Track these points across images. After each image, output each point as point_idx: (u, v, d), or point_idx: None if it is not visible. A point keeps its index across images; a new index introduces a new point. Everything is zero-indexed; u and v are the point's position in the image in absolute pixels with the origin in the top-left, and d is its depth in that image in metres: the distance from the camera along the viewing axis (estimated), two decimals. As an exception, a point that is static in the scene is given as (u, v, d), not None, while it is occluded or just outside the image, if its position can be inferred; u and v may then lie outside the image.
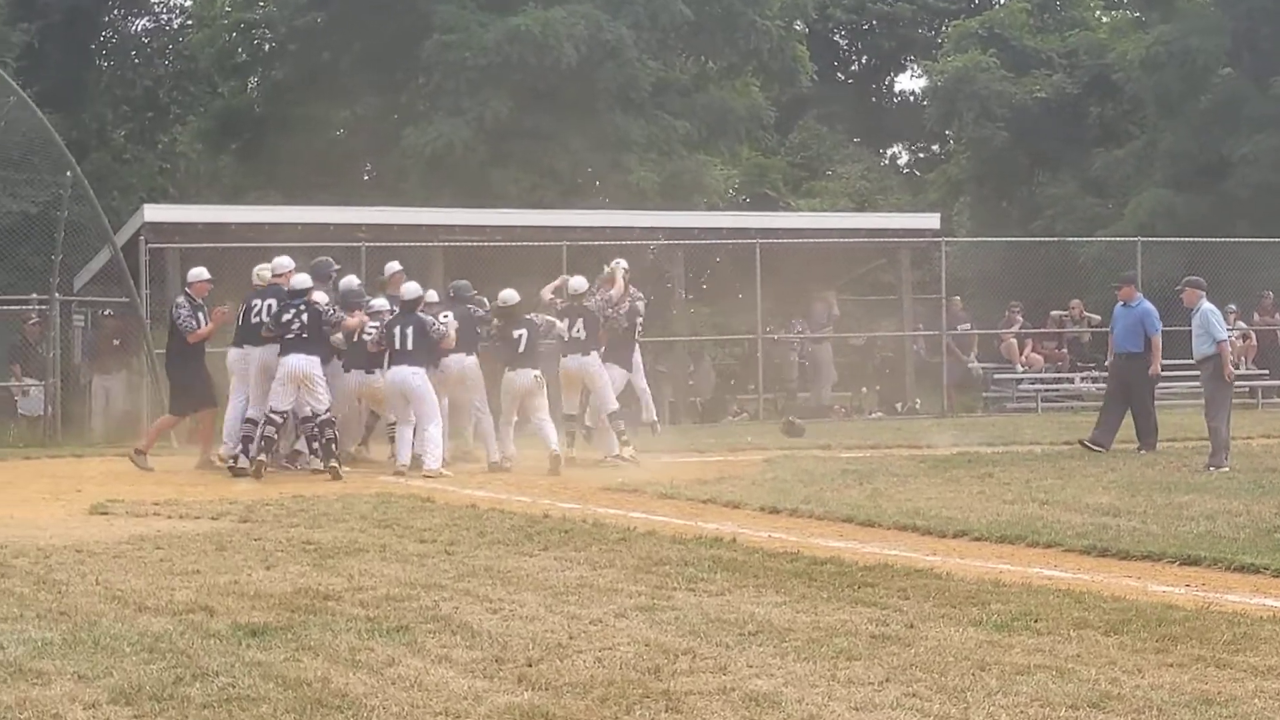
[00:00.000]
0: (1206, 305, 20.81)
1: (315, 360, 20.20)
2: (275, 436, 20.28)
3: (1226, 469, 19.17)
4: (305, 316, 20.15)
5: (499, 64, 37.44)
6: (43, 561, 12.31)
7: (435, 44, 38.28)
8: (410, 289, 21.28)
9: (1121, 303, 23.15)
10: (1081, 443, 22.13)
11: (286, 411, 20.29)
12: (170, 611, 10.05)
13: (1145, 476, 18.38)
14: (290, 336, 20.12)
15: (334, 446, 20.19)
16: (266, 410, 20.23)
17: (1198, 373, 21.65)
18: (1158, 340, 22.80)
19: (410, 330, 20.60)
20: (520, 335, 21.34)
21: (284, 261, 21.38)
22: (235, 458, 20.49)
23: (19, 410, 27.94)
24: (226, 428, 21.19)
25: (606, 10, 38.62)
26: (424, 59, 38.66)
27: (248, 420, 20.67)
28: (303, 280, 20.76)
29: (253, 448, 20.37)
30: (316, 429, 20.26)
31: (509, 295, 21.75)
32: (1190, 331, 21.05)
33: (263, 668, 8.38)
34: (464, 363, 21.36)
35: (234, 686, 7.96)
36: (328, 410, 20.24)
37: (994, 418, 31.69)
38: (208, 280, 22.19)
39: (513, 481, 19.14)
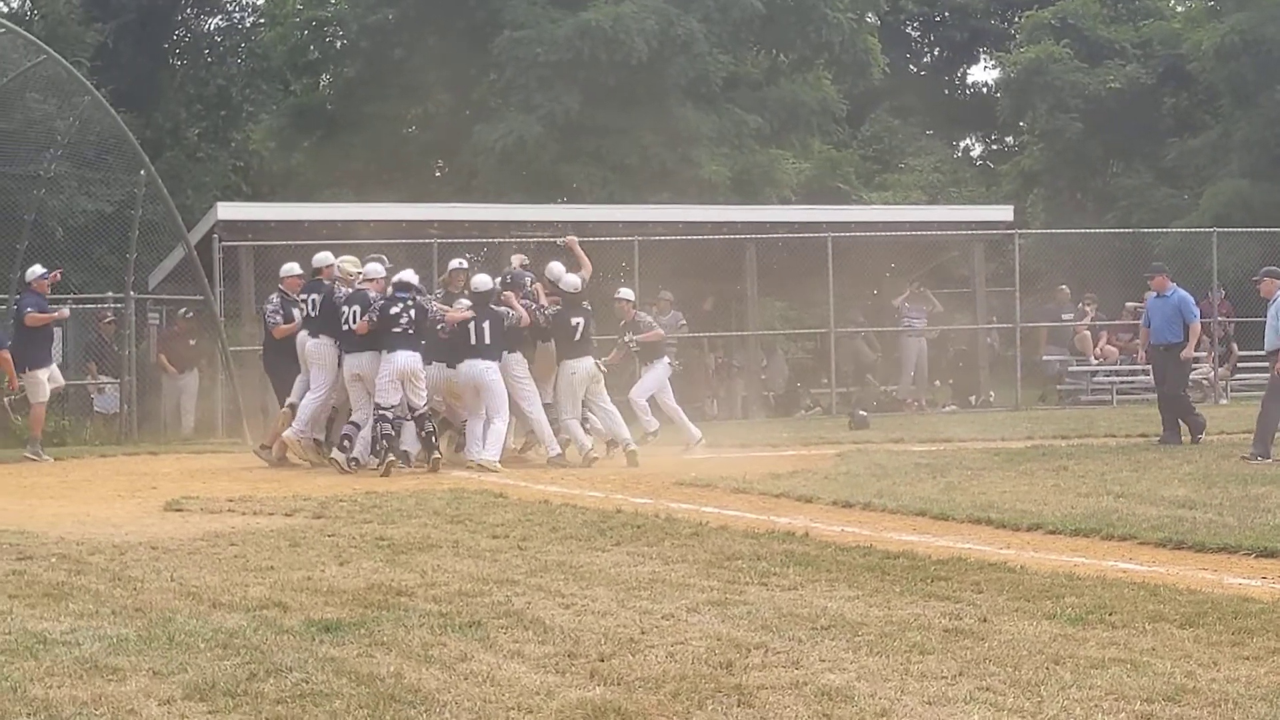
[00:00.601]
0: None
1: (419, 356, 20.21)
2: (395, 434, 20.23)
3: (1270, 461, 19.02)
4: (413, 312, 20.18)
5: (570, 59, 37.52)
6: (118, 558, 12.39)
7: (506, 40, 38.40)
8: (481, 282, 21.22)
9: (1155, 294, 22.91)
10: (1194, 440, 21.96)
11: (396, 406, 20.27)
12: (244, 608, 10.09)
13: (1221, 469, 18.23)
14: (397, 330, 20.10)
15: (434, 439, 20.27)
16: (373, 410, 20.30)
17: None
18: (1197, 326, 22.79)
19: (486, 325, 20.62)
20: (578, 324, 21.31)
21: (375, 268, 21.31)
22: (343, 460, 20.48)
23: (95, 408, 28.15)
24: (303, 413, 21.21)
25: (677, 4, 38.67)
26: (495, 55, 38.79)
27: (350, 423, 20.67)
28: (410, 274, 20.88)
29: (356, 447, 20.42)
30: (415, 422, 20.31)
31: (572, 280, 21.74)
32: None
33: (336, 663, 8.41)
34: (506, 359, 21.13)
35: (307, 682, 7.99)
36: (426, 404, 20.29)
37: (1068, 410, 31.54)
38: (299, 276, 22.26)
39: (585, 477, 19.14)
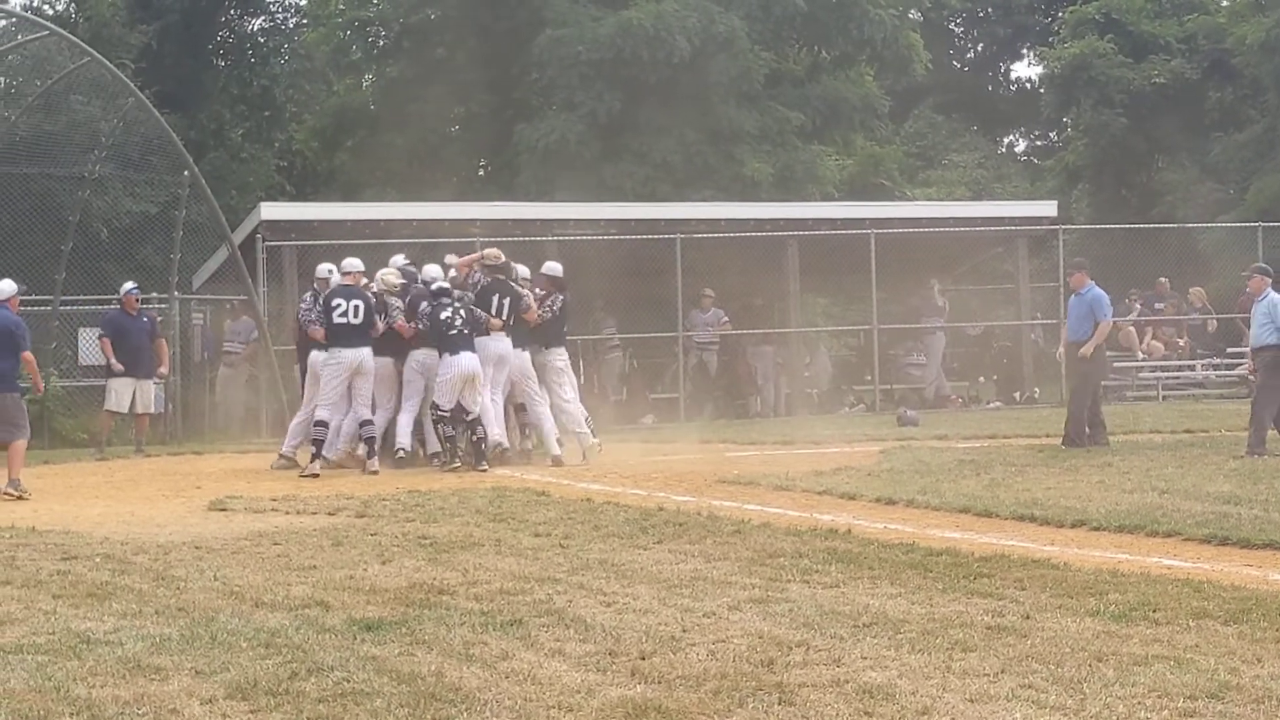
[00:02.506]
0: (1275, 295, 20.28)
1: (479, 359, 20.23)
2: (455, 433, 20.31)
3: (1265, 457, 18.81)
4: (465, 313, 20.22)
5: (611, 58, 37.55)
6: (162, 558, 12.44)
7: (548, 39, 38.45)
8: (490, 254, 21.30)
9: (1075, 292, 22.40)
10: (1062, 444, 21.54)
11: (452, 410, 20.26)
12: (286, 607, 10.12)
13: (1267, 464, 18.13)
14: (454, 333, 20.13)
15: (484, 445, 20.22)
16: (431, 411, 20.46)
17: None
18: (1105, 326, 21.91)
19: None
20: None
21: (354, 263, 21.27)
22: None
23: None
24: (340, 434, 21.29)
25: (719, 2, 38.66)
26: (537, 54, 38.83)
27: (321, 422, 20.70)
28: (435, 269, 21.34)
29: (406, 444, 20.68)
30: (467, 427, 20.34)
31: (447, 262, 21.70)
32: None
33: (377, 662, 8.42)
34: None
35: (349, 681, 8.00)
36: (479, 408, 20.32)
37: (1114, 406, 31.39)
38: (325, 279, 22.27)
39: (627, 475, 19.12)
